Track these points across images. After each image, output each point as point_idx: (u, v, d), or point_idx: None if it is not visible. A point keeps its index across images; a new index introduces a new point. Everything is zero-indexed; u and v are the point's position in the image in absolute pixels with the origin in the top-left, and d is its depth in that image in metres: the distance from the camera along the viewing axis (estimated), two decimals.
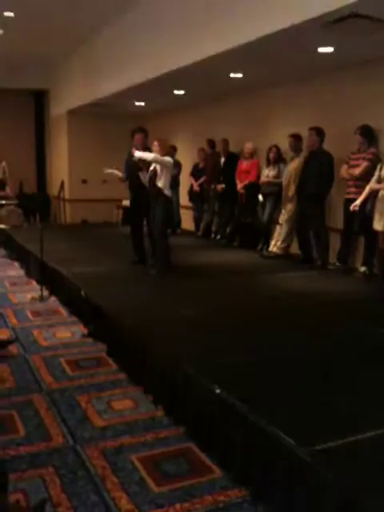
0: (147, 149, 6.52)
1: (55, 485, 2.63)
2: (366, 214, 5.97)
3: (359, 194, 6.17)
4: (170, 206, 6.59)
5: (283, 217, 7.53)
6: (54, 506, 2.47)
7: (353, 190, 6.37)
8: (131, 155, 6.51)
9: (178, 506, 2.48)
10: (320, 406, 2.85)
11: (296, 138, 7.29)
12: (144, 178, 6.34)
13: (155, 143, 6.23)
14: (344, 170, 6.47)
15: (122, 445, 3.00)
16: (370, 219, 5.91)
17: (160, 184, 6.16)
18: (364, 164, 6.20)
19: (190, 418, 3.12)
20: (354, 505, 2.04)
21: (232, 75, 7.34)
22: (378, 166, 5.91)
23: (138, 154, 6.24)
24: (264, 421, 2.58)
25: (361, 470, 2.25)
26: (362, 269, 6.33)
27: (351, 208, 6.03)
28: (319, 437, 2.47)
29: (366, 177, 6.16)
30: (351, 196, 6.36)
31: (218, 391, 2.94)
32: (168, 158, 6.29)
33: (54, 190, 13.28)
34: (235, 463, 2.69)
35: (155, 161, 6.13)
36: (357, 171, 6.27)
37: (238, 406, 2.75)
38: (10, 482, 2.39)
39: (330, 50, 5.81)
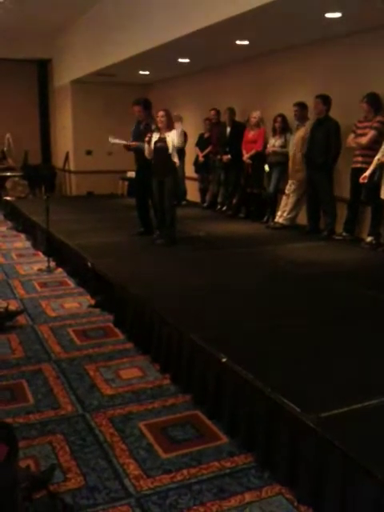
0: (149, 120, 6.47)
1: (65, 451, 2.68)
2: (373, 183, 5.92)
3: (366, 163, 6.12)
4: (178, 177, 6.54)
5: (290, 187, 7.47)
6: (63, 472, 2.52)
7: (360, 159, 6.30)
8: (139, 123, 6.44)
9: (185, 471, 2.53)
10: (325, 374, 2.87)
11: (301, 107, 7.18)
12: (149, 151, 6.26)
13: (160, 114, 6.14)
14: (351, 139, 6.39)
15: (130, 412, 3.05)
16: (378, 189, 5.86)
17: (174, 159, 6.13)
18: (371, 133, 6.12)
19: (197, 386, 3.16)
20: (359, 471, 2.07)
21: (238, 42, 7.20)
22: None
23: (133, 144, 6.25)
24: (269, 388, 2.61)
25: (366, 436, 2.27)
26: (369, 239, 6.30)
27: (361, 180, 5.97)
28: (324, 404, 2.50)
29: (373, 145, 6.09)
30: (358, 165, 6.29)
31: (224, 360, 2.96)
32: (174, 136, 6.15)
33: (58, 161, 13.21)
34: (241, 430, 2.73)
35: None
36: (364, 140, 6.18)
37: (244, 374, 2.78)
38: (20, 449, 2.44)
39: (337, 15, 5.68)
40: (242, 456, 2.63)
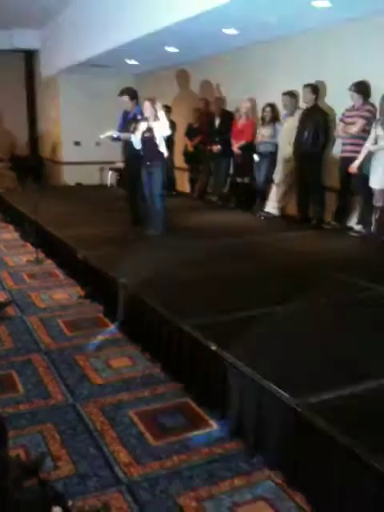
0: (136, 109, 6.44)
1: (55, 440, 2.69)
2: (363, 172, 5.94)
3: (356, 152, 6.14)
4: (166, 167, 6.50)
5: (279, 177, 7.49)
6: (54, 461, 2.53)
7: (349, 148, 6.31)
8: (126, 113, 6.41)
9: (175, 458, 2.55)
10: (314, 360, 2.89)
11: (290, 96, 7.18)
12: (136, 141, 6.23)
13: (146, 104, 6.08)
14: (340, 128, 6.40)
15: (120, 401, 3.06)
16: (367, 178, 5.88)
17: (161, 148, 6.09)
18: (360, 121, 6.13)
19: (187, 374, 3.17)
20: (346, 454, 2.10)
21: (226, 31, 7.17)
22: (373, 125, 5.84)
23: (123, 135, 6.23)
24: (258, 375, 2.62)
25: (353, 420, 2.30)
26: (358, 227, 6.33)
27: (350, 170, 5.99)
28: (313, 389, 2.52)
29: (362, 134, 6.11)
30: (347, 154, 6.31)
31: (213, 348, 2.97)
32: (161, 123, 6.11)
33: (46, 152, 13.12)
34: (231, 416, 2.75)
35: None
36: (353, 129, 6.20)
37: (233, 362, 2.79)
38: (10, 439, 2.44)
39: (326, 4, 5.66)
40: (233, 442, 2.65)
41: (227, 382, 2.82)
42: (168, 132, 6.12)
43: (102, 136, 6.76)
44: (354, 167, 5.99)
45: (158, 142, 6.06)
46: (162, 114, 6.07)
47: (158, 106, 6.09)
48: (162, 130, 6.06)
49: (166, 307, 3.66)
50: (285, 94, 7.21)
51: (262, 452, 2.53)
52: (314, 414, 2.30)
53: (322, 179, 6.89)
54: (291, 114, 7.20)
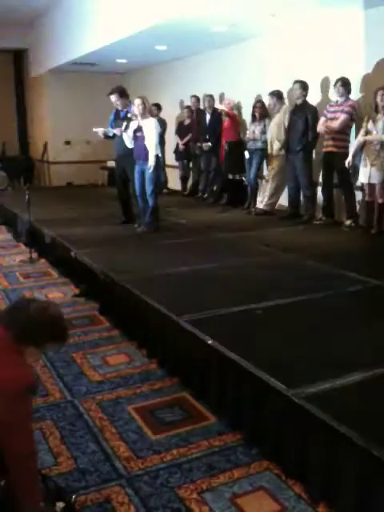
0: (127, 108, 6.45)
1: (55, 437, 2.72)
2: (354, 165, 5.99)
3: (337, 147, 6.24)
4: (159, 165, 6.48)
5: (269, 173, 7.53)
6: (54, 457, 2.55)
7: (330, 142, 6.37)
8: (118, 112, 6.42)
9: (174, 451, 2.58)
10: (309, 352, 2.94)
11: (275, 96, 7.20)
12: (128, 139, 6.24)
13: (137, 102, 6.07)
14: (322, 123, 6.44)
15: (118, 397, 3.08)
16: (352, 172, 5.96)
17: (151, 147, 6.08)
18: (342, 117, 6.18)
19: (184, 369, 3.20)
20: (344, 443, 2.14)
21: (215, 29, 7.19)
22: (365, 118, 5.89)
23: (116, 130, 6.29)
24: (254, 367, 2.66)
25: (350, 410, 2.34)
26: (348, 222, 6.38)
27: (346, 164, 6.02)
28: (310, 381, 2.56)
29: (344, 130, 6.18)
30: (329, 149, 6.39)
31: (209, 342, 3.01)
32: (151, 124, 6.10)
33: (37, 152, 13.07)
34: (228, 409, 2.79)
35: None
36: (335, 124, 6.24)
37: (229, 355, 2.83)
38: None
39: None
40: (231, 434, 2.69)
41: (224, 374, 2.85)
42: (154, 138, 6.08)
43: (95, 129, 6.77)
44: (349, 161, 6.01)
45: (148, 141, 6.06)
46: (151, 119, 6.10)
47: (149, 104, 6.09)
48: (151, 133, 6.05)
49: (161, 303, 3.69)
50: (270, 94, 7.25)
51: (259, 444, 2.57)
52: (311, 403, 2.33)
53: (311, 174, 6.93)
54: (277, 110, 7.25)
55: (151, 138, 6.04)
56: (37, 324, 1.91)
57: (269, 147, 7.42)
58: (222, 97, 8.73)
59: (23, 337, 1.89)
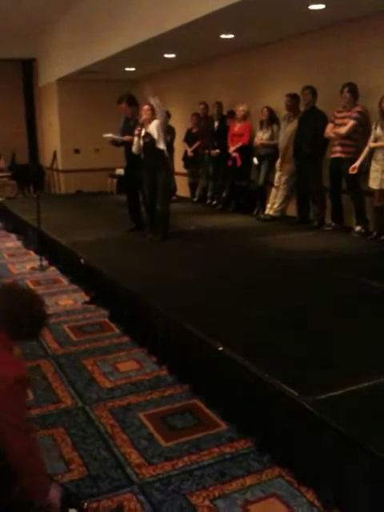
0: (137, 115, 6.46)
1: (66, 443, 2.72)
2: (361, 172, 5.99)
3: (345, 152, 6.22)
4: (170, 171, 6.45)
5: (279, 179, 7.51)
6: (66, 463, 2.56)
7: (338, 148, 6.35)
8: (128, 119, 6.43)
9: (186, 458, 2.57)
10: (321, 358, 2.93)
11: (293, 98, 7.14)
12: (137, 146, 6.24)
13: (145, 107, 6.09)
14: (329, 129, 6.43)
15: (129, 403, 3.09)
16: (359, 178, 5.95)
17: (162, 147, 6.07)
18: (351, 122, 6.17)
19: (194, 375, 3.20)
20: (355, 449, 2.13)
21: (223, 36, 7.23)
22: (373, 125, 5.88)
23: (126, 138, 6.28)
24: (266, 374, 2.65)
25: (361, 416, 2.33)
26: (358, 228, 6.36)
27: (350, 170, 6.01)
28: (321, 387, 2.55)
29: (352, 135, 6.17)
30: (337, 155, 6.36)
31: (220, 348, 3.00)
32: (154, 122, 6.10)
33: (46, 160, 13.17)
34: (240, 416, 2.78)
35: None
36: (343, 130, 6.23)
37: (240, 361, 2.82)
38: None
39: (321, 7, 5.72)
40: (242, 441, 2.68)
41: (235, 381, 2.85)
42: (164, 136, 6.09)
43: (105, 135, 6.79)
44: (354, 167, 6.00)
45: (156, 139, 6.04)
46: (158, 116, 6.06)
47: (157, 103, 6.03)
48: (156, 131, 6.03)
49: (171, 309, 3.70)
50: (287, 95, 7.18)
51: (271, 450, 2.56)
52: (323, 410, 2.33)
53: (321, 180, 6.92)
54: (294, 116, 7.15)
55: (154, 131, 6.02)
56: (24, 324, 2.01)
57: (282, 153, 7.37)
58: (233, 104, 8.73)
59: (14, 335, 2.00)
